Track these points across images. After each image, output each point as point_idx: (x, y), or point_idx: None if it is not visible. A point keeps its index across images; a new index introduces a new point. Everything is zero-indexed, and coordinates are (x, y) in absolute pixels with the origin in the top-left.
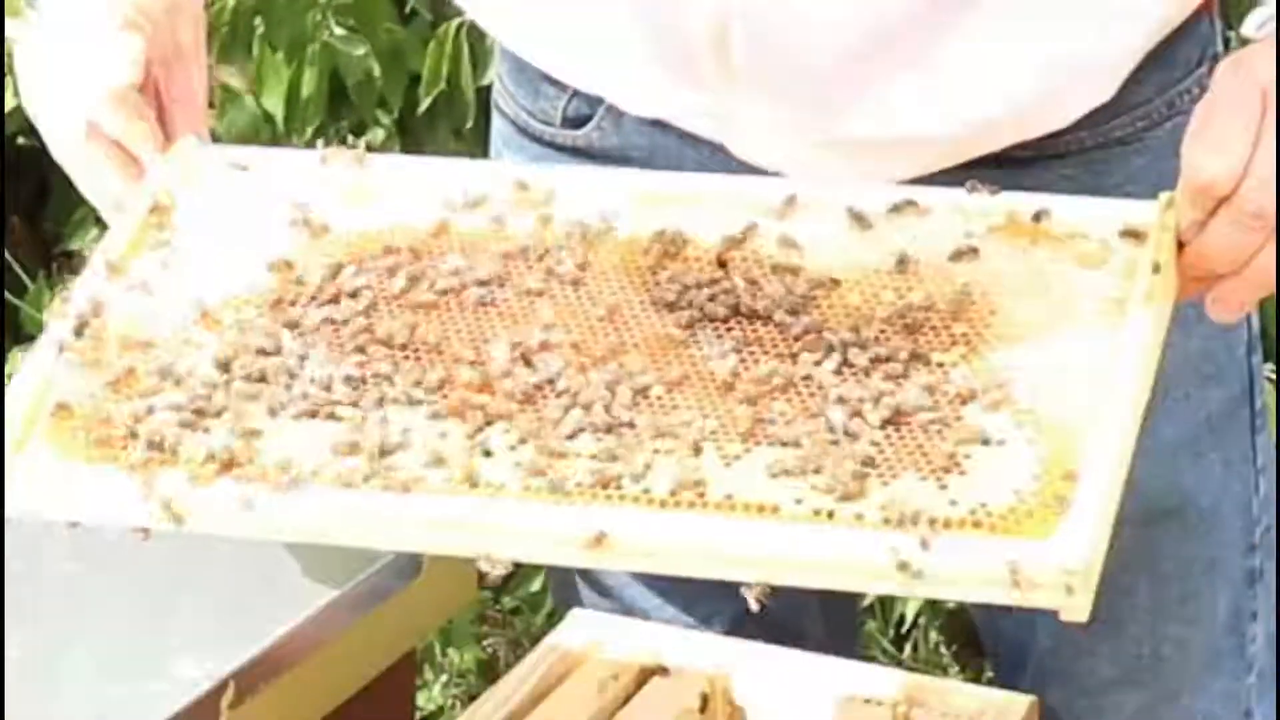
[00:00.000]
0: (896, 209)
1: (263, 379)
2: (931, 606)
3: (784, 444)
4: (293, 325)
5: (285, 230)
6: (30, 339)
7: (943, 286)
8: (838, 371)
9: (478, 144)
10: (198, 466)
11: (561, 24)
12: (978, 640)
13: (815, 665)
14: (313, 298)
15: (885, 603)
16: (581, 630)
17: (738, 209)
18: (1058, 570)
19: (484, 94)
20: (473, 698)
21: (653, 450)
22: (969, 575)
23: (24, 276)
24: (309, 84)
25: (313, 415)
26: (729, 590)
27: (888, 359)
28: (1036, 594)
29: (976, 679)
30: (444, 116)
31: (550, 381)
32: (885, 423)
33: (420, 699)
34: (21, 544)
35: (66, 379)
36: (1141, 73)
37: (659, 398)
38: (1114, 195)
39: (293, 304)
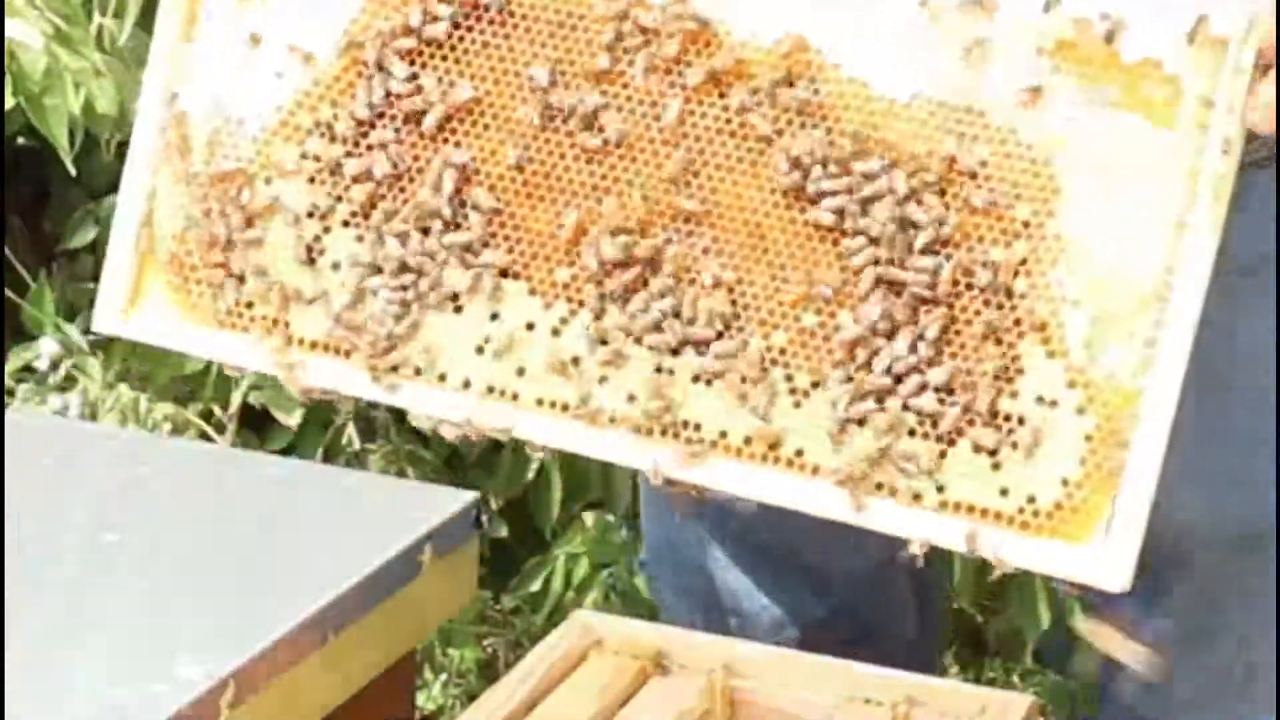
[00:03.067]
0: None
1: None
2: None
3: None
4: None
5: None
6: (31, 338)
7: (1006, 146)
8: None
9: None
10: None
11: None
12: (978, 640)
13: (815, 665)
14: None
15: None
16: (581, 630)
17: None
18: (1099, 580)
19: None
20: (473, 698)
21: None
22: (1016, 563)
23: (24, 276)
24: None
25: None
26: (825, 584)
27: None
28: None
29: (977, 679)
30: None
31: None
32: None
33: (420, 699)
34: (22, 544)
35: (169, 205)
36: None
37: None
38: None
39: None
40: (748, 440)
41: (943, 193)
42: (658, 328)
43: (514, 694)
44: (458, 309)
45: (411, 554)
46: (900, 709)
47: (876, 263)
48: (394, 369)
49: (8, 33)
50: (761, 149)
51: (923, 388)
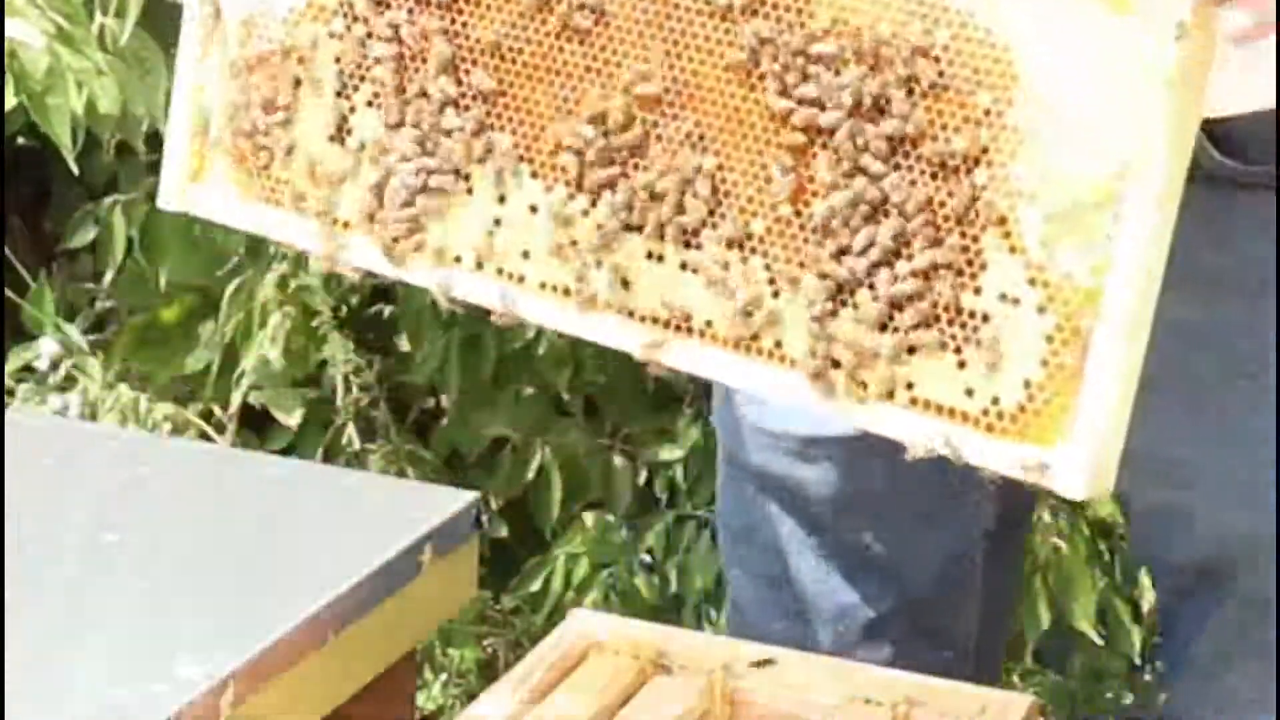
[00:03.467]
0: None
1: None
2: None
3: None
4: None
5: None
6: (31, 338)
7: (966, 30)
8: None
9: None
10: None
11: None
12: None
13: (815, 665)
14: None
15: None
16: (581, 630)
17: None
18: (1060, 486)
19: None
20: (472, 698)
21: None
22: (982, 464)
23: (25, 276)
24: None
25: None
26: (892, 579)
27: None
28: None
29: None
30: None
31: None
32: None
33: (420, 699)
34: (22, 544)
35: (214, 92)
36: None
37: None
38: None
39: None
40: (729, 329)
41: (908, 81)
42: (644, 214)
43: (514, 694)
44: (469, 190)
45: (411, 554)
46: (900, 709)
47: (840, 153)
48: (416, 249)
49: (9, 32)
50: (729, 29)
51: (892, 282)
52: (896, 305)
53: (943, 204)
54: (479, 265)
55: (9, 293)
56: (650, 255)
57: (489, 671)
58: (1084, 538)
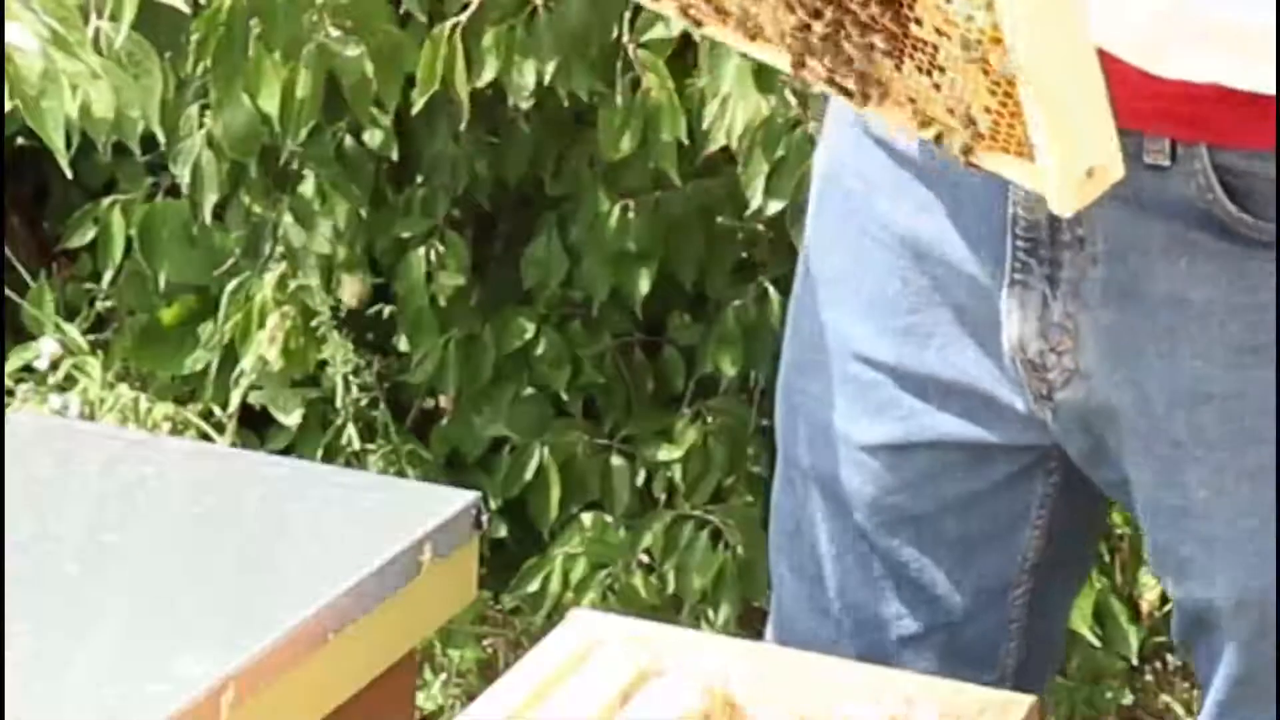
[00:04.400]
0: None
1: None
2: None
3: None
4: None
5: None
6: (30, 338)
7: None
8: None
9: (473, 145)
10: None
11: None
12: None
13: (815, 665)
14: None
15: None
16: (581, 630)
17: None
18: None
19: (476, 96)
20: (472, 698)
21: None
22: (985, 166)
23: (24, 276)
24: (304, 85)
25: None
26: (928, 599)
27: None
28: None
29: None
30: (441, 118)
31: None
32: None
33: (420, 699)
34: (22, 544)
35: None
36: None
37: None
38: None
39: None
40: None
41: None
42: None
43: (513, 694)
44: None
45: (411, 554)
46: (900, 709)
47: None
48: None
49: (7, 34)
50: None
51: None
52: (870, 28)
53: None
54: None
55: (9, 293)
56: None
57: (489, 671)
58: None
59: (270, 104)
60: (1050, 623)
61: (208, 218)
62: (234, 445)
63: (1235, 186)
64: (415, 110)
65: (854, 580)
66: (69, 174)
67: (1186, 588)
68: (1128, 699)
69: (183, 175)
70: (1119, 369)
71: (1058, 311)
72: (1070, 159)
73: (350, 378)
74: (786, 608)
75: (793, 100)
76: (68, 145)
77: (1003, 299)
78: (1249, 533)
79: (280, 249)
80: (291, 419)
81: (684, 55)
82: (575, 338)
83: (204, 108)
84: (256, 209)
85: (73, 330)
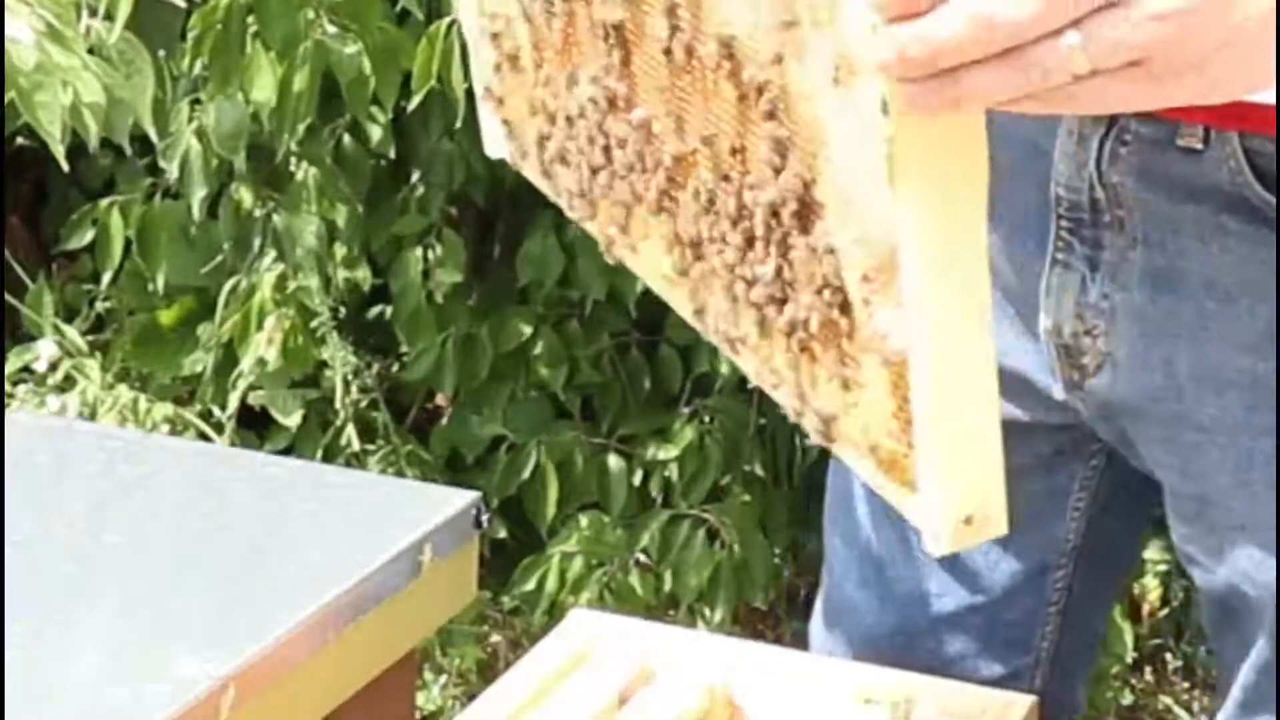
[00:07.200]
0: None
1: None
2: None
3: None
4: None
5: None
6: (30, 339)
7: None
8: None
9: (469, 143)
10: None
11: None
12: None
13: (815, 665)
14: None
15: None
16: (581, 630)
17: None
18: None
19: (472, 93)
20: (473, 698)
21: None
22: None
23: (24, 276)
24: (301, 82)
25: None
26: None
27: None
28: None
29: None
30: (437, 116)
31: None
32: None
33: (420, 699)
34: (22, 544)
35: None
36: None
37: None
38: None
39: None
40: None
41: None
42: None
43: (513, 693)
44: None
45: (411, 554)
46: (900, 709)
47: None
48: None
49: (7, 33)
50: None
51: (780, 304)
52: (793, 334)
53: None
54: None
55: (7, 294)
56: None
57: (489, 671)
58: None
59: (265, 101)
60: (1089, 613)
61: (196, 213)
62: (233, 445)
63: (1266, 170)
64: (411, 108)
65: (895, 555)
66: (65, 168)
67: (1215, 576)
68: (1128, 699)
69: (172, 170)
70: (1150, 351)
71: (1094, 293)
72: (953, 504)
73: (350, 378)
74: (836, 575)
75: None
76: (63, 140)
77: (1043, 279)
78: (1275, 519)
79: (276, 248)
80: (291, 419)
81: None
82: (572, 337)
83: (194, 103)
84: (253, 208)
85: (72, 331)
